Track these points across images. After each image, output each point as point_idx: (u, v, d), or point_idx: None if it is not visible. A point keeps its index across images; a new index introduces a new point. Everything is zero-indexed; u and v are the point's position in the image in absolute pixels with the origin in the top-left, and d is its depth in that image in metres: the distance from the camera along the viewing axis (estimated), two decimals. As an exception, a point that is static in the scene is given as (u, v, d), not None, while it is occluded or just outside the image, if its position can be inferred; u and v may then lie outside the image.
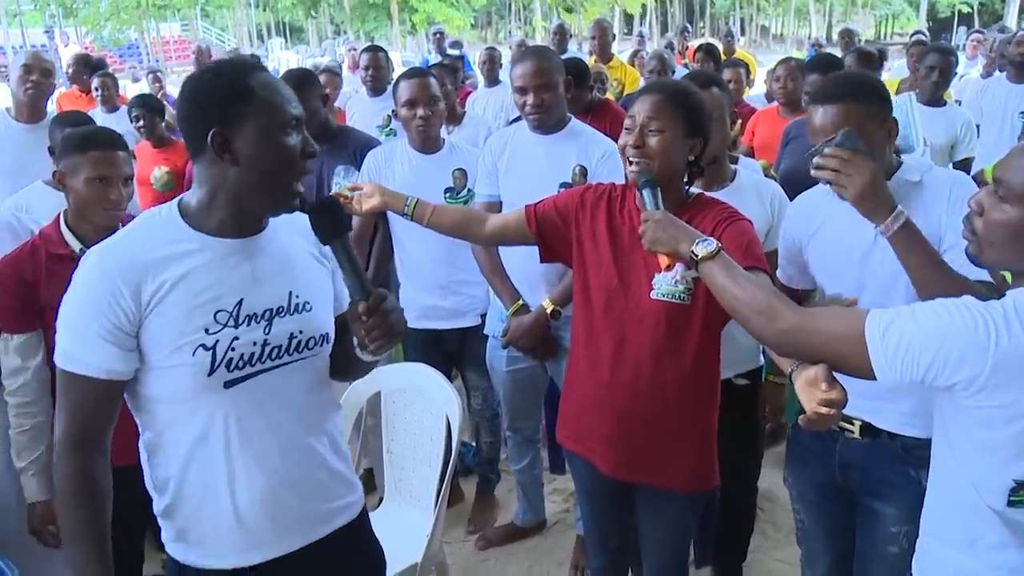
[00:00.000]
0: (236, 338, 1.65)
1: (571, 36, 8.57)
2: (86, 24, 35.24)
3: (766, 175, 3.60)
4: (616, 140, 3.29)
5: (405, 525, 2.92)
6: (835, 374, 1.64)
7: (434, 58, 9.68)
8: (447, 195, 3.41)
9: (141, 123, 4.89)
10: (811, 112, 2.13)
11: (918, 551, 1.77)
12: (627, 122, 2.24)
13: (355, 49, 9.13)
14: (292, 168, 1.65)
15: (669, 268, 1.98)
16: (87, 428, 1.64)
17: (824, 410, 1.61)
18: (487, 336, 3.41)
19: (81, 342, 1.60)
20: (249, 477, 1.72)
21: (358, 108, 5.81)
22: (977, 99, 5.75)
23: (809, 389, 1.65)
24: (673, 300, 2.21)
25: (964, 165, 4.68)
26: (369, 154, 3.49)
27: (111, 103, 6.17)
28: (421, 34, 39.22)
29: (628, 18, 46.93)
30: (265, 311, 1.70)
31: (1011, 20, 32.63)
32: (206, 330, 1.63)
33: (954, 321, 1.45)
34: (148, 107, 4.94)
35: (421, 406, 3.01)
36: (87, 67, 7.15)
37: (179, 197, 1.73)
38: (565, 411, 2.51)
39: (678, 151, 2.21)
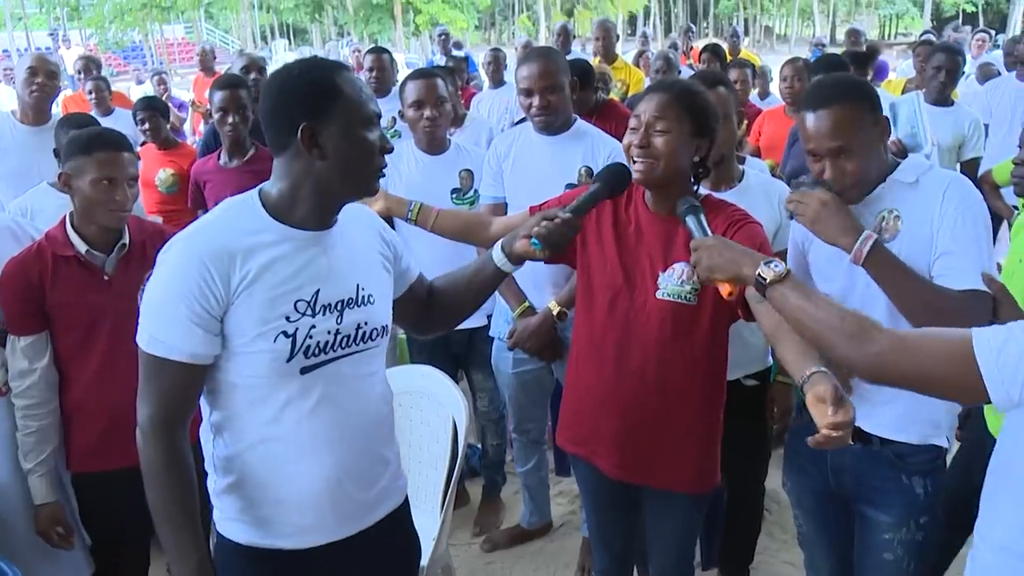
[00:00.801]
0: (313, 326, 1.73)
1: (574, 37, 8.56)
2: (90, 26, 35.32)
3: (773, 175, 3.58)
4: (621, 140, 3.31)
5: (412, 528, 2.90)
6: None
7: (439, 59, 9.68)
8: (454, 196, 3.40)
9: (147, 126, 4.88)
10: (802, 118, 2.07)
11: (977, 563, 1.63)
12: (632, 121, 2.21)
13: (359, 51, 9.16)
14: (373, 161, 1.74)
15: (732, 295, 1.84)
16: (172, 411, 1.71)
17: (833, 433, 1.60)
18: (493, 338, 3.40)
19: (169, 326, 1.66)
20: (318, 460, 1.79)
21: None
22: (986, 99, 5.74)
23: (819, 405, 1.64)
24: (679, 300, 2.19)
25: (972, 165, 4.66)
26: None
27: (104, 106, 6.16)
28: (425, 36, 39.26)
29: (632, 18, 46.94)
30: (338, 302, 1.78)
31: (1017, 20, 32.53)
32: (287, 318, 1.70)
33: None
34: (153, 110, 4.93)
35: (427, 408, 3.00)
36: (98, 70, 7.16)
37: (258, 187, 1.79)
38: (566, 413, 2.49)
39: (684, 151, 2.18)
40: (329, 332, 1.75)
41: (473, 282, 2.07)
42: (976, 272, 1.92)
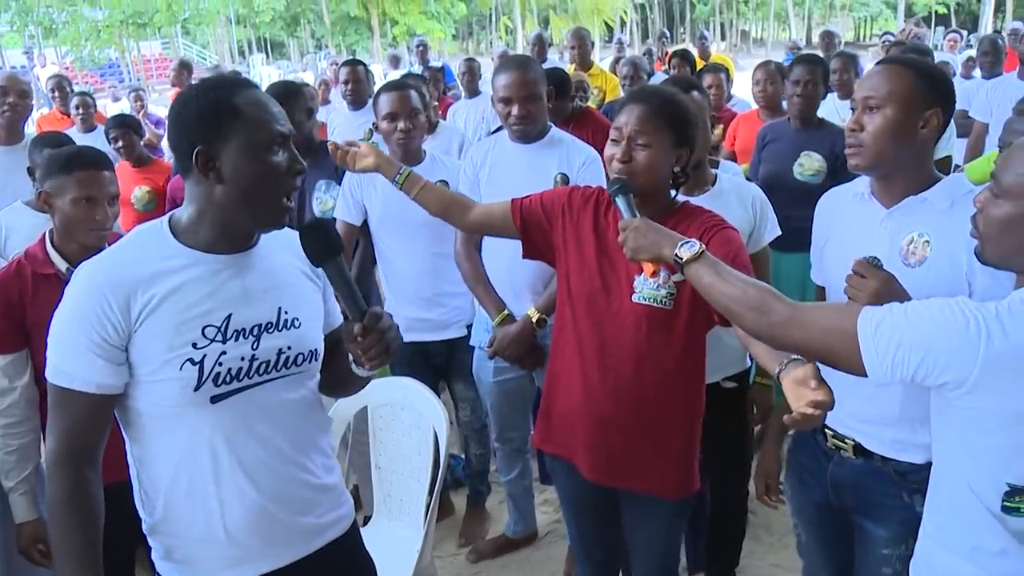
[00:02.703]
0: (224, 353, 1.66)
1: (550, 45, 8.58)
2: (65, 44, 35.11)
3: (747, 179, 3.60)
4: (598, 148, 3.32)
5: (395, 541, 2.89)
6: (826, 379, 1.63)
7: (417, 70, 9.69)
8: (429, 207, 3.39)
9: (120, 143, 4.85)
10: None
11: (917, 553, 1.75)
12: (613, 133, 2.22)
13: (336, 63, 9.15)
14: (278, 185, 1.66)
15: (655, 275, 1.98)
16: (79, 443, 1.65)
17: (810, 410, 1.60)
18: (474, 347, 3.39)
19: (72, 356, 1.61)
20: (238, 492, 1.72)
21: (339, 122, 5.80)
22: (986, 98, 5.76)
23: (797, 388, 1.64)
24: (655, 304, 2.20)
25: (944, 164, 4.69)
26: (351, 168, 3.46)
27: (89, 123, 6.13)
28: (403, 47, 39.25)
29: (609, 26, 47.08)
30: (254, 327, 1.70)
31: (988, 20, 32.86)
32: (194, 344, 1.63)
33: (945, 320, 1.45)
34: (126, 127, 4.91)
35: (408, 420, 2.99)
36: (69, 87, 7.14)
37: (170, 213, 1.73)
38: (544, 415, 2.49)
39: (665, 164, 2.20)
40: (243, 359, 1.68)
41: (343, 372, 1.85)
42: None
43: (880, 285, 1.85)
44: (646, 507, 2.39)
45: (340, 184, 3.51)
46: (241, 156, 1.61)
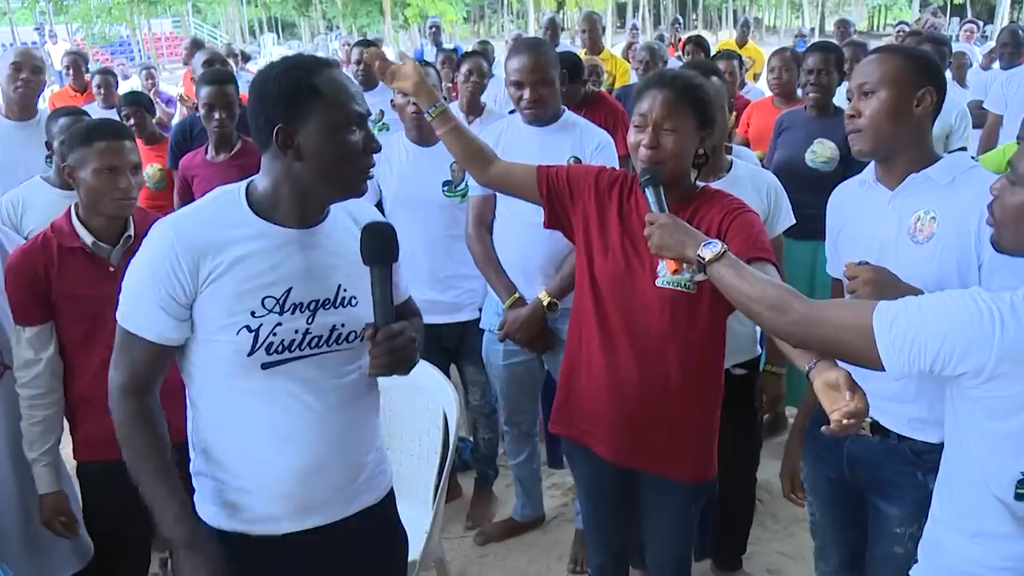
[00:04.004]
0: (279, 324, 1.73)
1: (562, 30, 8.55)
2: (76, 20, 35.08)
3: (762, 166, 3.59)
4: (610, 132, 3.31)
5: (404, 520, 2.89)
6: (853, 373, 1.64)
7: (430, 50, 9.65)
8: (445, 188, 3.40)
9: (132, 121, 4.83)
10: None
11: (925, 534, 1.77)
12: (637, 119, 2.21)
13: (348, 44, 9.10)
14: (354, 164, 1.72)
15: (677, 272, 2.00)
16: (138, 380, 1.77)
17: (847, 421, 1.62)
18: (484, 330, 3.40)
19: (140, 306, 1.72)
20: (280, 454, 1.79)
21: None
22: (1001, 90, 5.72)
23: (830, 392, 1.66)
24: (679, 288, 2.20)
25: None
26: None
27: (110, 100, 6.12)
28: (414, 28, 39.14)
29: (621, 10, 46.89)
30: (311, 302, 1.77)
31: (1005, 11, 32.59)
32: (252, 313, 1.71)
33: (960, 311, 1.46)
34: (138, 105, 4.89)
35: (419, 402, 2.99)
36: (85, 65, 7.12)
37: (248, 180, 1.79)
38: (563, 397, 2.49)
39: (691, 147, 2.22)
40: (297, 331, 1.74)
41: None
42: None
43: (874, 274, 1.92)
44: (665, 491, 2.39)
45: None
46: (320, 135, 1.66)
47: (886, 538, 2.18)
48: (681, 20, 15.94)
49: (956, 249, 1.98)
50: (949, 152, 4.63)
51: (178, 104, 7.84)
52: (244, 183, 1.78)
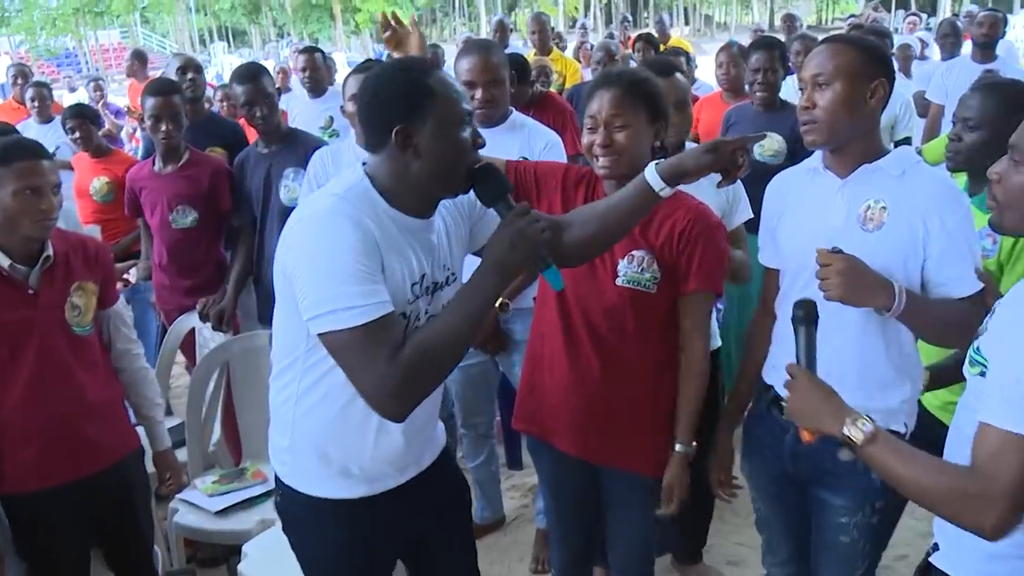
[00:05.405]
0: (424, 310, 1.82)
1: (512, 31, 8.57)
2: (19, 33, 34.48)
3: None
4: (559, 132, 3.32)
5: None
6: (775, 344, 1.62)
7: (385, 57, 9.59)
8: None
9: (77, 134, 4.76)
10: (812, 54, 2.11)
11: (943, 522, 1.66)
12: (588, 121, 2.23)
13: (298, 51, 9.04)
14: (466, 158, 1.78)
15: (810, 442, 1.72)
16: (390, 347, 1.67)
17: None
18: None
19: (360, 288, 1.64)
20: (393, 428, 1.85)
21: (299, 109, 5.74)
22: (942, 80, 5.83)
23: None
24: (638, 288, 2.22)
25: (904, 144, 4.73)
26: (315, 155, 3.44)
27: (45, 114, 6.03)
28: (366, 33, 38.99)
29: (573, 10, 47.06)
30: (434, 283, 1.85)
31: (945, 4, 33.21)
32: (408, 300, 1.77)
33: None
34: (83, 117, 4.81)
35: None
36: (25, 78, 7.01)
37: (365, 171, 1.80)
38: (525, 394, 2.50)
39: (645, 142, 2.22)
40: (425, 313, 1.83)
41: (620, 210, 1.93)
42: (973, 274, 1.98)
43: (845, 264, 1.88)
44: (628, 486, 2.41)
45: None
46: (436, 133, 1.72)
47: (831, 528, 2.19)
48: (631, 18, 16.01)
49: (906, 240, 1.99)
50: (894, 141, 4.73)
51: (126, 116, 7.74)
52: (362, 172, 1.80)
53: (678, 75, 2.87)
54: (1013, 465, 1.39)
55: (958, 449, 1.57)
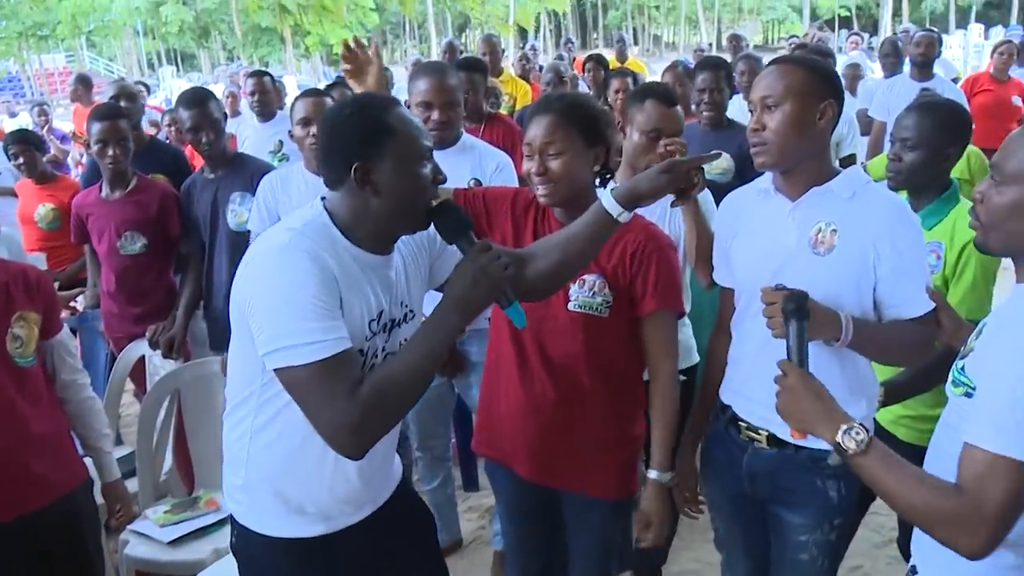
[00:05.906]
0: (380, 347, 1.80)
1: (461, 52, 8.59)
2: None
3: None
4: (509, 152, 3.33)
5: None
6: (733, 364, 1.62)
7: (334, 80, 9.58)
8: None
9: (20, 160, 4.68)
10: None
11: (921, 542, 1.68)
12: (525, 148, 2.23)
13: (244, 74, 8.98)
14: (426, 195, 1.77)
15: (798, 439, 1.74)
16: (349, 383, 1.65)
17: None
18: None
19: (318, 323, 1.62)
20: (351, 465, 1.82)
21: (248, 133, 5.71)
22: (884, 98, 5.97)
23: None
24: (590, 312, 2.22)
25: (848, 161, 4.82)
26: (264, 179, 3.42)
27: None
28: (316, 57, 38.86)
29: (523, 32, 47.38)
30: (392, 320, 1.83)
31: (887, 23, 34.02)
32: (366, 336, 1.76)
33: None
34: (26, 143, 4.73)
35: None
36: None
37: (324, 207, 1.78)
38: (483, 419, 2.49)
39: (581, 167, 2.21)
40: (383, 350, 1.81)
41: (580, 238, 1.91)
42: (925, 295, 2.00)
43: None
44: (587, 509, 2.39)
45: (255, 196, 3.46)
46: (396, 171, 1.71)
47: (791, 547, 2.20)
48: (574, 40, 16.16)
49: (857, 263, 1.99)
50: (840, 159, 4.82)
51: (72, 141, 7.62)
52: (321, 208, 1.78)
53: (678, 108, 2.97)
54: (1001, 488, 1.40)
55: (938, 467, 1.57)
